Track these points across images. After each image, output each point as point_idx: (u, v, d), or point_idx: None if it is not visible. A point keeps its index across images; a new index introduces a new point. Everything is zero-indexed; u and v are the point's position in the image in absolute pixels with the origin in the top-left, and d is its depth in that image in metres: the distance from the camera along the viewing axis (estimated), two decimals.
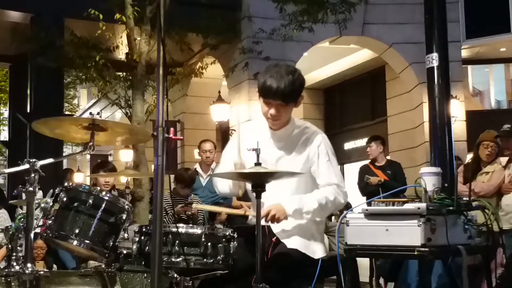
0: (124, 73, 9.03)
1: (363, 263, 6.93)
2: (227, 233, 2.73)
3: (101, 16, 7.91)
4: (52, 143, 8.10)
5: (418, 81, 10.69)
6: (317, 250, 2.97)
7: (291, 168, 2.88)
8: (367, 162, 7.56)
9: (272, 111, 2.91)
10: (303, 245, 2.93)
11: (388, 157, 8.19)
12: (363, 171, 7.38)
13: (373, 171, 7.21)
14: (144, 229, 2.74)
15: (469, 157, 7.14)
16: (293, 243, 2.92)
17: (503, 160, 5.72)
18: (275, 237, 2.95)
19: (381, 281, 6.71)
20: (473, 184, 5.30)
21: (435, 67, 5.54)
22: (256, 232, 2.56)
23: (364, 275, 7.27)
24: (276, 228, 2.94)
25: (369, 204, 2.92)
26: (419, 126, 10.87)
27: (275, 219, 2.82)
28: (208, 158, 6.80)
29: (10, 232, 3.21)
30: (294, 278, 2.89)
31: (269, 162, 2.84)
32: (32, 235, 2.63)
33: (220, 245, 2.68)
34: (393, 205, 2.87)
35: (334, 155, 3.08)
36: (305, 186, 3.01)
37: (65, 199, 2.87)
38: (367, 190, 7.14)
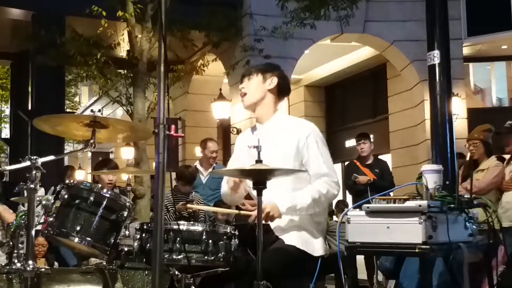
0: (125, 71, 9.03)
1: (359, 260, 6.92)
2: (228, 231, 2.73)
3: (104, 13, 7.91)
4: (53, 141, 8.10)
5: (420, 79, 10.67)
6: (316, 248, 2.98)
7: (282, 163, 2.89)
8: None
9: (240, 86, 3.19)
10: (302, 242, 2.94)
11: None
12: (351, 169, 7.24)
13: (361, 169, 7.11)
14: (145, 227, 2.75)
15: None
16: (291, 239, 2.93)
17: (506, 157, 5.70)
18: (274, 235, 2.95)
19: (382, 278, 6.71)
20: (467, 182, 5.28)
21: (437, 65, 5.52)
22: (257, 230, 2.56)
23: (361, 272, 7.27)
24: (275, 225, 2.95)
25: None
26: (421, 123, 10.85)
27: (269, 218, 2.83)
28: (214, 159, 6.80)
29: (12, 229, 3.22)
30: (291, 274, 2.89)
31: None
32: (33, 232, 2.63)
33: (221, 242, 2.68)
34: (394, 202, 2.87)
35: (325, 145, 3.09)
36: (304, 181, 3.01)
37: (66, 196, 2.86)
38: (355, 189, 7.05)
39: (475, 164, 5.61)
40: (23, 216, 2.87)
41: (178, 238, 2.61)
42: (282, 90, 3.18)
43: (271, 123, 3.13)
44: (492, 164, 5.53)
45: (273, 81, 3.13)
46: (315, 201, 2.92)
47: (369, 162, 7.23)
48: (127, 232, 2.93)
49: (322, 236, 3.10)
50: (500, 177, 5.45)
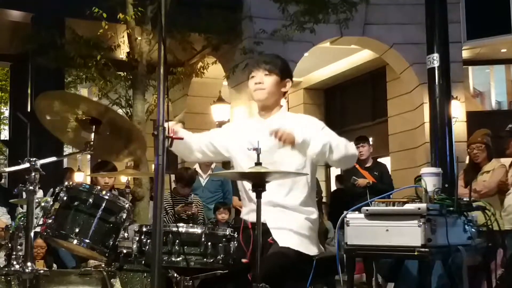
0: (125, 73, 9.03)
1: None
2: (227, 233, 2.73)
3: (104, 15, 7.91)
4: (53, 142, 8.08)
5: (419, 82, 10.68)
6: (311, 248, 2.96)
7: (287, 157, 2.87)
8: None
9: (256, 79, 3.06)
10: (297, 242, 2.90)
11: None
12: (350, 172, 7.19)
13: (360, 172, 7.08)
14: (144, 229, 2.74)
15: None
16: (286, 241, 2.90)
17: (507, 160, 5.71)
18: (270, 237, 2.93)
19: (381, 281, 6.70)
20: (474, 184, 5.29)
21: (436, 68, 5.55)
22: (256, 232, 2.56)
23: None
24: (271, 224, 2.92)
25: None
26: (420, 126, 10.86)
27: (281, 139, 2.77)
28: None
29: (10, 231, 3.21)
30: (288, 277, 2.87)
31: (263, 154, 2.69)
32: (32, 234, 2.63)
33: (220, 244, 2.68)
34: (394, 205, 2.87)
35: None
36: (305, 178, 3.01)
37: (65, 198, 2.86)
38: (354, 191, 7.05)
39: (477, 168, 5.60)
40: (22, 218, 2.87)
41: (177, 241, 2.61)
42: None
43: (275, 117, 3.11)
44: (497, 165, 5.55)
45: (287, 85, 3.13)
46: (333, 146, 2.86)
47: (368, 165, 7.23)
48: (126, 234, 2.92)
49: (317, 236, 3.08)
50: (505, 178, 5.48)
